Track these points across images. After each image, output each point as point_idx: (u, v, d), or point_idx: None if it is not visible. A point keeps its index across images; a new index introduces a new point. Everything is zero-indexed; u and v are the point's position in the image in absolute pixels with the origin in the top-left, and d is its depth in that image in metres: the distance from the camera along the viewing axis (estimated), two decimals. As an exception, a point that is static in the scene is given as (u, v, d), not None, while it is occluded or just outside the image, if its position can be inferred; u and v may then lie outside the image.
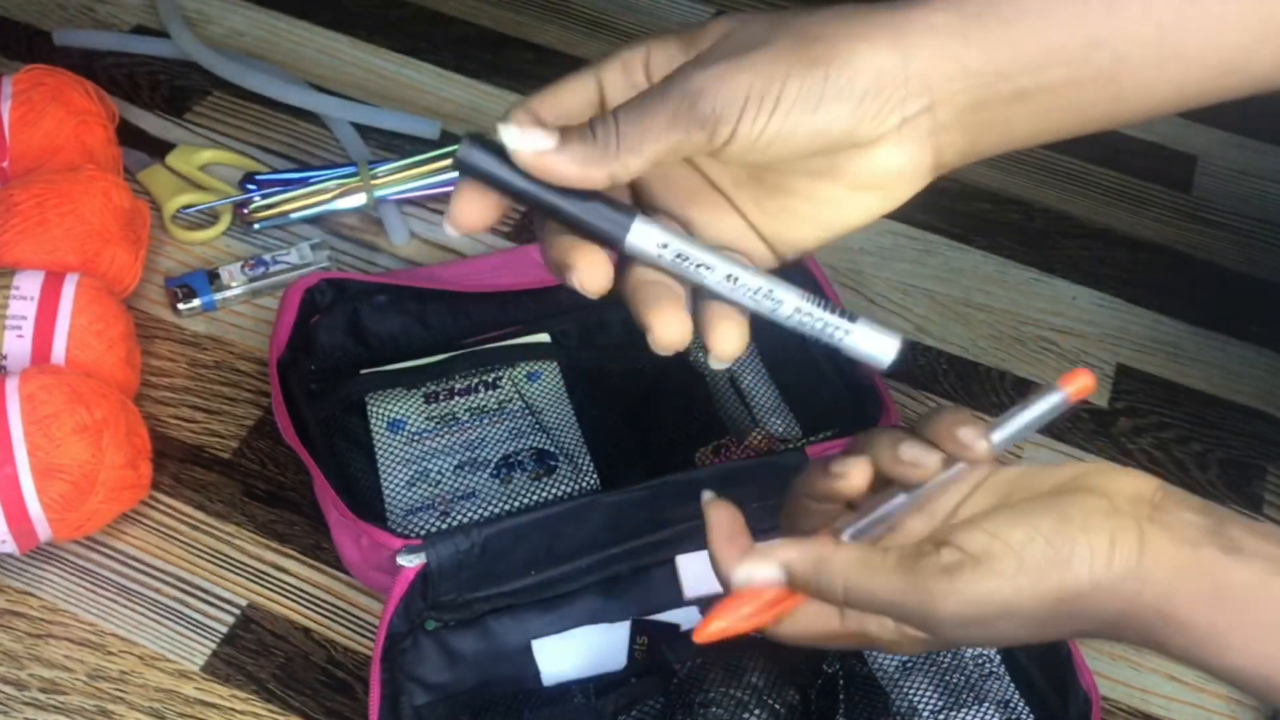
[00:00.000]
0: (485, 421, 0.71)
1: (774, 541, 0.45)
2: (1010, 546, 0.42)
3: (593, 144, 0.41)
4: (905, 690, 0.60)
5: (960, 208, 0.90)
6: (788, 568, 0.44)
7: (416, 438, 0.69)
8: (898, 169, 0.43)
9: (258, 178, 0.85)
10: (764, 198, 0.44)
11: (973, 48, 0.42)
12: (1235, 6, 0.42)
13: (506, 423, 0.71)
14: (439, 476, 0.68)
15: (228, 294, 0.78)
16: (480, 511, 0.66)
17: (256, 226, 0.83)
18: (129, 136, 0.87)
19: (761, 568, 0.44)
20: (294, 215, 0.83)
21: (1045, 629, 0.42)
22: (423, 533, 0.65)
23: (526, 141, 0.40)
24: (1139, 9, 0.42)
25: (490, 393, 0.72)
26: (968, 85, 0.42)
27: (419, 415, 0.70)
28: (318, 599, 0.66)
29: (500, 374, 0.73)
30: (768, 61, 0.41)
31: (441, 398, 0.71)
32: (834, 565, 0.43)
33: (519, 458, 0.69)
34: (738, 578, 0.44)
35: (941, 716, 0.59)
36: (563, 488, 0.67)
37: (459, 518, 0.66)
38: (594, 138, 0.41)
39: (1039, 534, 0.42)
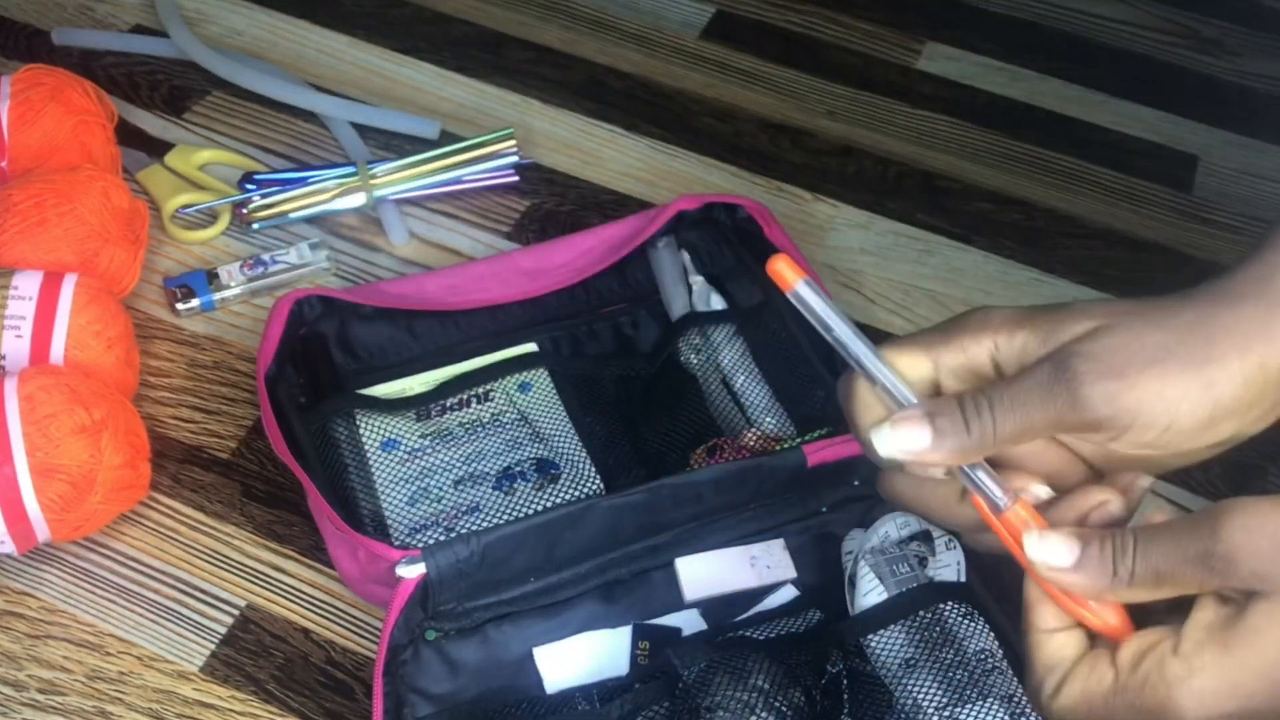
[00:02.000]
0: (481, 435, 0.70)
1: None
2: None
3: (965, 434, 0.42)
4: (909, 688, 0.60)
5: (961, 208, 0.90)
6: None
7: (412, 456, 0.69)
8: (1233, 435, 0.46)
9: (257, 177, 0.84)
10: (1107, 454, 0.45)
11: None
12: None
13: (502, 434, 0.71)
14: (440, 493, 0.68)
15: (227, 294, 0.78)
16: (486, 525, 0.66)
17: (255, 226, 0.83)
18: (128, 136, 0.87)
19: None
20: (293, 215, 0.83)
21: None
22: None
23: (899, 443, 0.43)
24: None
25: (483, 405, 0.72)
26: None
27: (412, 433, 0.70)
28: (317, 600, 0.66)
29: (491, 386, 0.72)
30: (1158, 383, 0.42)
31: (434, 414, 0.71)
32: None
33: (520, 468, 0.69)
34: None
35: (946, 713, 0.59)
36: (567, 495, 0.67)
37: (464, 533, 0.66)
38: (966, 427, 0.42)
39: None
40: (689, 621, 0.65)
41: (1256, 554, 0.40)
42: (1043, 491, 0.45)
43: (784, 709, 0.56)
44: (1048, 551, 0.43)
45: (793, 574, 0.66)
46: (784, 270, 0.46)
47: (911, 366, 0.45)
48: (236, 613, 0.65)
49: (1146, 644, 0.42)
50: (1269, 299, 0.43)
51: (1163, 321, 0.43)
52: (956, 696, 0.59)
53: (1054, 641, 0.44)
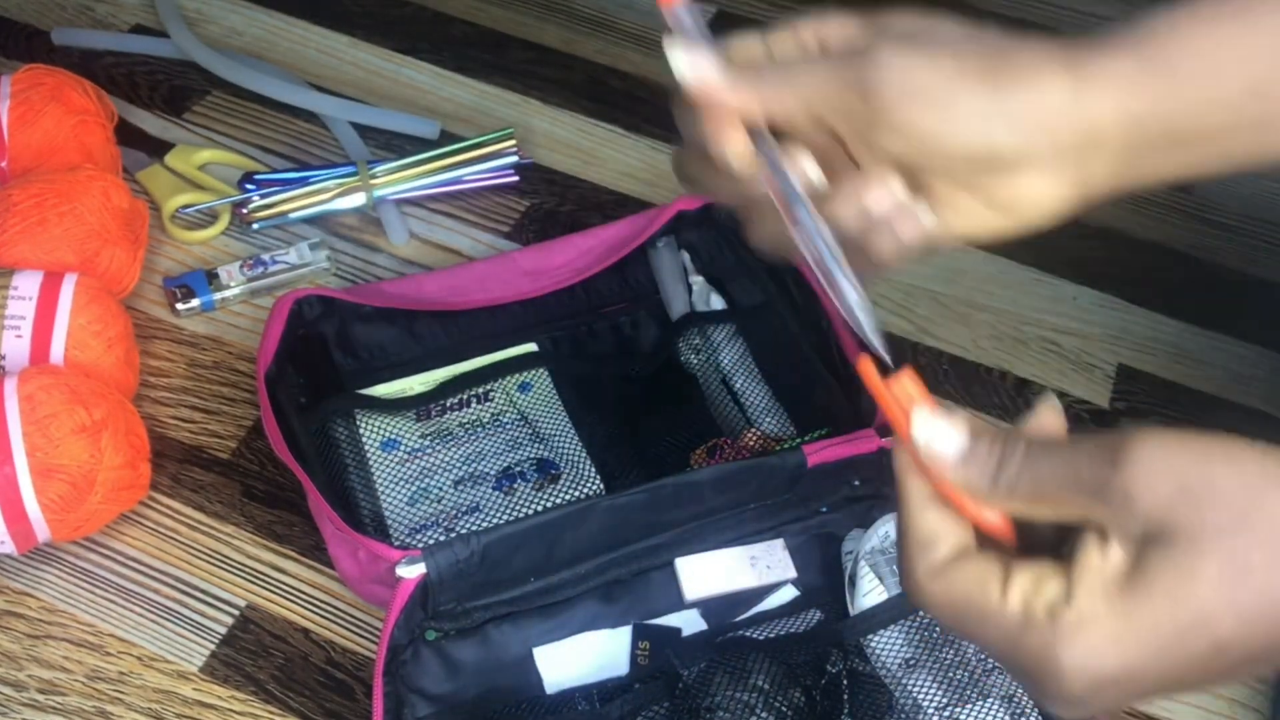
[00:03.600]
0: (480, 435, 0.70)
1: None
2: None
3: (757, 78, 0.45)
4: (909, 688, 0.60)
5: (961, 208, 0.90)
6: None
7: (412, 456, 0.69)
8: (1036, 197, 0.44)
9: (257, 177, 0.84)
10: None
11: (1143, 95, 0.43)
12: None
13: (502, 434, 0.71)
14: (440, 493, 0.68)
15: (227, 294, 0.78)
16: (486, 525, 0.66)
17: (255, 226, 0.83)
18: (128, 136, 0.87)
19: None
20: (293, 215, 0.83)
21: None
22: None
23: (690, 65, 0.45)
24: None
25: (482, 406, 0.72)
26: (1130, 129, 0.43)
27: (412, 433, 0.70)
28: (317, 599, 0.66)
29: (491, 386, 0.72)
30: (952, 62, 0.43)
31: (434, 414, 0.71)
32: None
33: (520, 468, 0.69)
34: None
35: (946, 713, 0.59)
36: (567, 495, 0.67)
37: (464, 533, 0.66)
38: (759, 75, 0.45)
39: None
40: (689, 621, 0.65)
41: (1156, 494, 0.35)
42: (814, 172, 0.45)
43: (784, 709, 0.56)
44: (935, 436, 0.40)
45: (793, 574, 0.66)
46: None
47: (745, 48, 0.47)
48: (236, 613, 0.65)
49: (1039, 579, 0.37)
50: (1139, 49, 0.43)
51: (980, 34, 0.45)
52: (956, 696, 0.59)
53: (932, 516, 0.40)
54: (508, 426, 0.71)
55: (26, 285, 0.68)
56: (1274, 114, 0.43)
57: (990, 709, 0.59)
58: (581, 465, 0.68)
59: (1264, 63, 0.43)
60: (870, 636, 0.61)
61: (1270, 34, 0.43)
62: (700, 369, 0.74)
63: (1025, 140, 0.43)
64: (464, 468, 0.69)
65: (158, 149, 0.87)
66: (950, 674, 0.60)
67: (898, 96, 0.42)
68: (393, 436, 0.69)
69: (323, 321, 0.73)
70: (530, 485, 0.68)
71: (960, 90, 0.42)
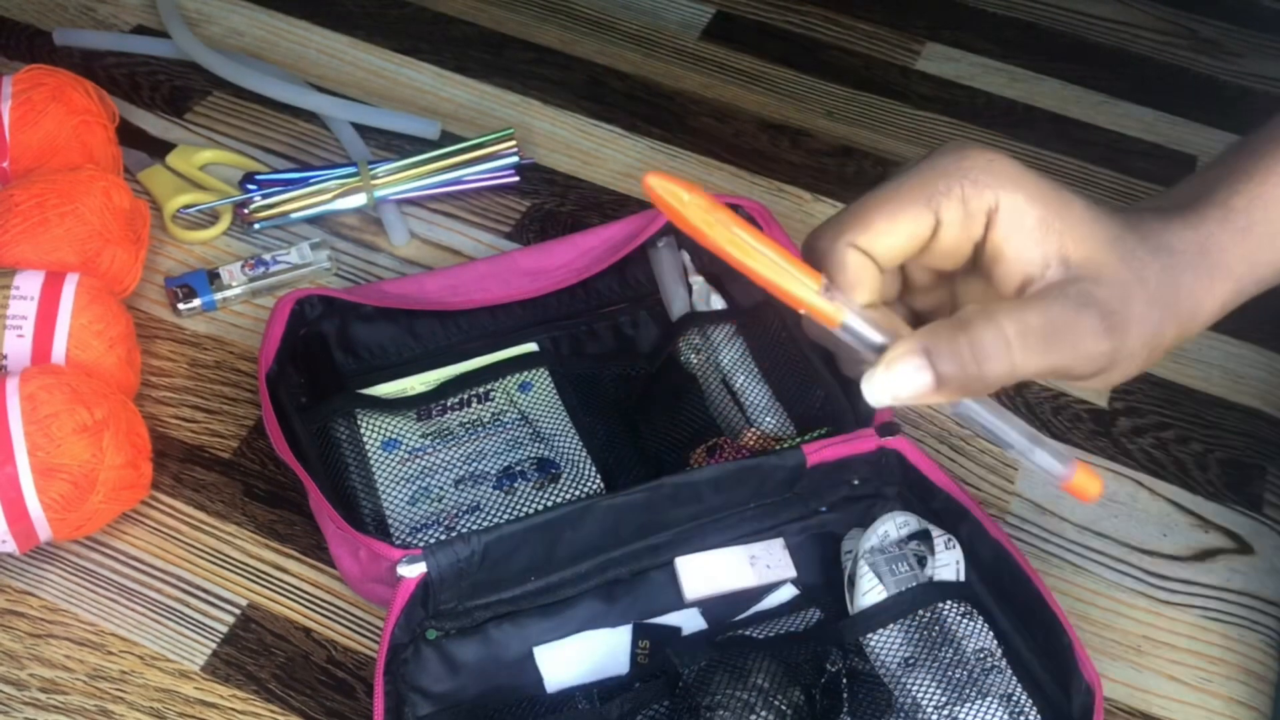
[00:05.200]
0: (481, 434, 0.71)
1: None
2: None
3: (970, 369, 0.41)
4: (908, 687, 0.60)
5: (960, 208, 0.90)
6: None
7: (413, 455, 0.69)
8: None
9: (258, 178, 0.85)
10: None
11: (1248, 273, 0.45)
12: None
13: (503, 434, 0.71)
14: (440, 492, 0.68)
15: (228, 294, 0.78)
16: (486, 525, 0.66)
17: (257, 226, 0.83)
18: (129, 136, 0.87)
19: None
20: (294, 215, 0.83)
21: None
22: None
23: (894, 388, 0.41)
24: None
25: (483, 405, 0.72)
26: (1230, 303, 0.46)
27: (413, 433, 0.70)
28: (318, 599, 0.66)
29: (492, 386, 0.72)
30: (1145, 335, 0.43)
31: (434, 413, 0.71)
32: (988, 330, 0.41)
33: (520, 468, 0.69)
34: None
35: (945, 712, 0.59)
36: (567, 495, 0.67)
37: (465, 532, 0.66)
38: (968, 363, 0.41)
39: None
40: (689, 621, 0.65)
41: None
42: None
43: (784, 708, 0.57)
44: (904, 381, 0.41)
45: (792, 573, 0.66)
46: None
47: (913, 223, 0.42)
48: (238, 612, 0.65)
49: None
50: (1250, 226, 0.44)
51: (1162, 257, 0.43)
52: (955, 695, 0.60)
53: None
54: (508, 426, 0.71)
55: (28, 285, 0.68)
56: None
57: (989, 708, 0.59)
58: (581, 465, 0.68)
59: None
60: (870, 635, 0.62)
61: None
62: (700, 369, 0.75)
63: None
64: (464, 467, 0.69)
65: (159, 149, 0.87)
66: (949, 673, 0.60)
67: (1109, 368, 0.43)
68: (393, 436, 0.70)
69: (324, 321, 0.73)
70: (530, 485, 0.68)
71: (1156, 338, 0.44)
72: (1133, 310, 0.42)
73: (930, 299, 0.47)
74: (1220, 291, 0.44)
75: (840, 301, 0.41)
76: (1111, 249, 0.42)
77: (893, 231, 0.42)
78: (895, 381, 0.41)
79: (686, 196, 0.41)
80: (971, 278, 0.45)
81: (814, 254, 0.43)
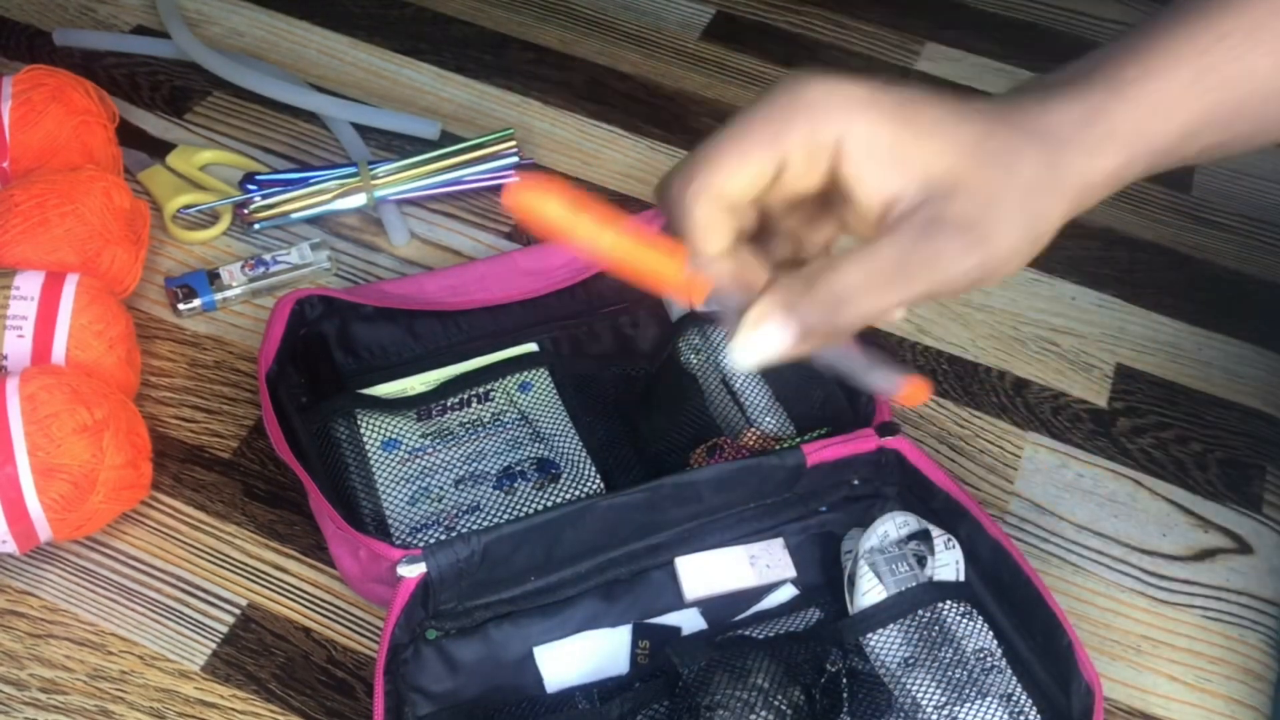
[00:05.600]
0: (481, 434, 0.71)
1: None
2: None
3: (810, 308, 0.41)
4: (908, 686, 0.60)
5: (960, 208, 0.90)
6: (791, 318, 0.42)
7: (413, 455, 0.69)
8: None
9: (258, 178, 0.85)
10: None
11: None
12: None
13: (503, 434, 0.71)
14: (440, 492, 0.68)
15: (228, 294, 0.78)
16: (486, 524, 0.66)
17: (257, 226, 0.83)
18: (129, 136, 0.87)
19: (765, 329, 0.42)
20: (294, 215, 0.83)
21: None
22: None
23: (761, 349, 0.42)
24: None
25: (483, 405, 0.72)
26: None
27: (413, 433, 0.70)
28: (318, 599, 0.66)
29: (492, 386, 0.72)
30: (1010, 238, 0.42)
31: (434, 413, 0.71)
32: (833, 278, 0.41)
33: (520, 468, 0.69)
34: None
35: (945, 711, 0.59)
36: (567, 495, 0.67)
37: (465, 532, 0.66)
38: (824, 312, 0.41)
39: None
40: (689, 620, 0.65)
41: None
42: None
43: (784, 708, 0.57)
44: (762, 342, 0.42)
45: (792, 573, 0.67)
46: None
47: (757, 167, 0.42)
48: (238, 612, 0.65)
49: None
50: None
51: (1037, 141, 0.43)
52: (955, 695, 0.60)
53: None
54: (508, 426, 0.71)
55: (28, 285, 0.68)
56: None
57: (989, 708, 0.59)
58: (581, 465, 0.68)
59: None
60: (869, 635, 0.62)
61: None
62: (700, 369, 0.75)
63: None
64: (464, 467, 0.69)
65: (159, 149, 0.87)
66: (949, 673, 0.60)
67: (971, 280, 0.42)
68: (393, 436, 0.70)
69: (324, 321, 0.73)
70: (530, 485, 0.68)
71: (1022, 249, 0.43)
72: (999, 212, 0.41)
73: (802, 235, 0.46)
74: (1109, 162, 0.43)
75: (701, 277, 0.42)
76: (974, 153, 0.42)
77: (740, 173, 0.41)
78: (760, 342, 0.41)
79: (542, 202, 0.42)
80: (839, 209, 0.44)
81: (665, 202, 0.42)
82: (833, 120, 0.41)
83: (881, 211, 0.42)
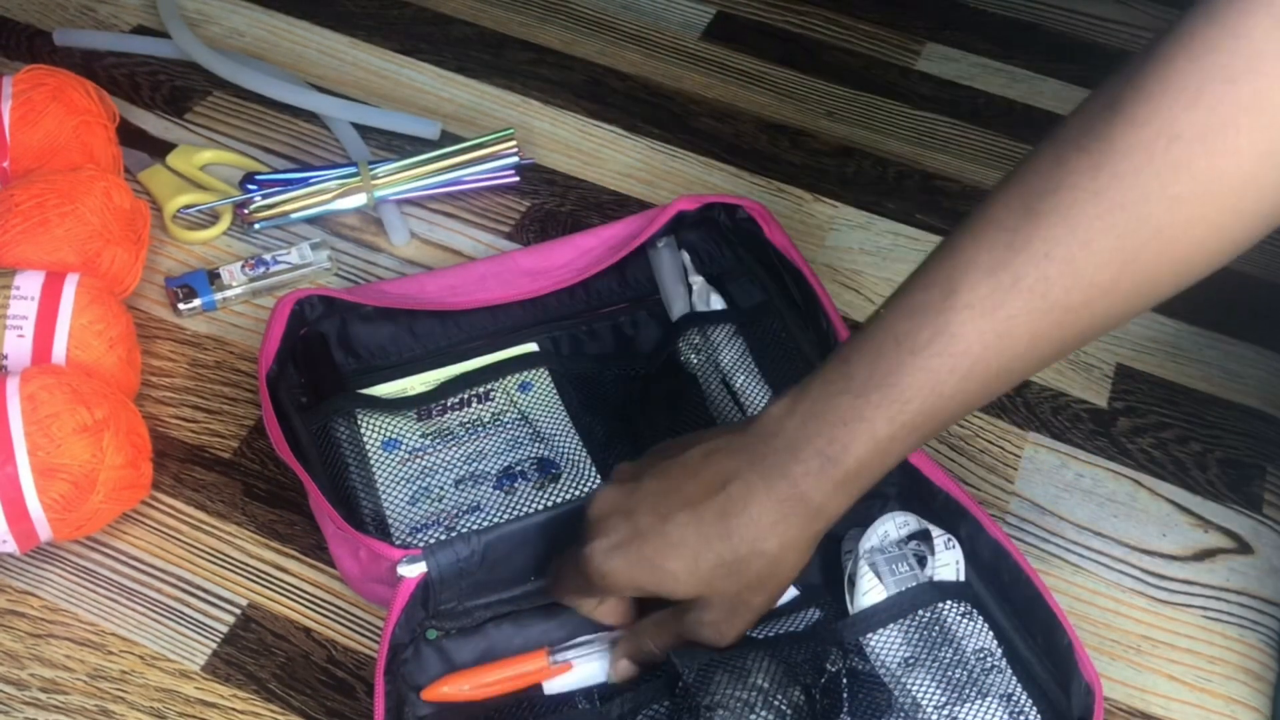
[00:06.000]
0: (481, 434, 0.71)
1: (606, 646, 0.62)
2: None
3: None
4: (908, 686, 0.60)
5: (959, 207, 0.90)
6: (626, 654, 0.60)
7: (413, 455, 0.69)
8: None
9: (258, 178, 0.85)
10: None
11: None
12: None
13: (503, 434, 0.71)
14: (440, 492, 0.68)
15: (228, 294, 0.78)
16: (486, 524, 0.66)
17: (257, 226, 0.83)
18: (129, 136, 0.87)
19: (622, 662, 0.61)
20: (294, 215, 0.83)
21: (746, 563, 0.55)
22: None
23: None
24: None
25: (483, 405, 0.72)
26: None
27: (413, 433, 0.70)
28: (318, 599, 0.66)
29: (492, 386, 0.72)
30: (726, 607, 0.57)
31: (434, 413, 0.71)
32: (649, 644, 0.59)
33: (520, 468, 0.69)
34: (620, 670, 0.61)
35: (945, 712, 0.59)
36: (567, 495, 0.67)
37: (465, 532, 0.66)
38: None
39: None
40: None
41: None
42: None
43: (784, 708, 0.57)
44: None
45: (792, 573, 0.66)
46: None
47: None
48: (238, 612, 0.65)
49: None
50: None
51: (746, 577, 0.56)
52: (955, 695, 0.60)
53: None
54: (508, 426, 0.71)
55: (28, 285, 0.68)
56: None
57: (989, 708, 0.59)
58: (581, 465, 0.68)
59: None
60: (869, 635, 0.62)
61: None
62: (700, 369, 0.75)
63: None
64: (465, 467, 0.69)
65: (159, 149, 0.87)
66: (949, 673, 0.60)
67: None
68: (394, 436, 0.70)
69: (324, 321, 0.73)
70: (531, 484, 0.68)
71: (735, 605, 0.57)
72: (739, 609, 0.57)
73: None
74: (821, 527, 0.55)
75: (560, 659, 0.61)
76: (710, 583, 0.55)
77: (584, 608, 0.61)
78: (624, 674, 0.60)
79: (446, 689, 0.60)
80: None
81: (581, 610, 0.62)
82: (617, 589, 0.57)
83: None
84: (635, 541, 0.56)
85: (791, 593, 0.66)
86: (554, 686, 0.62)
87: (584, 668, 0.61)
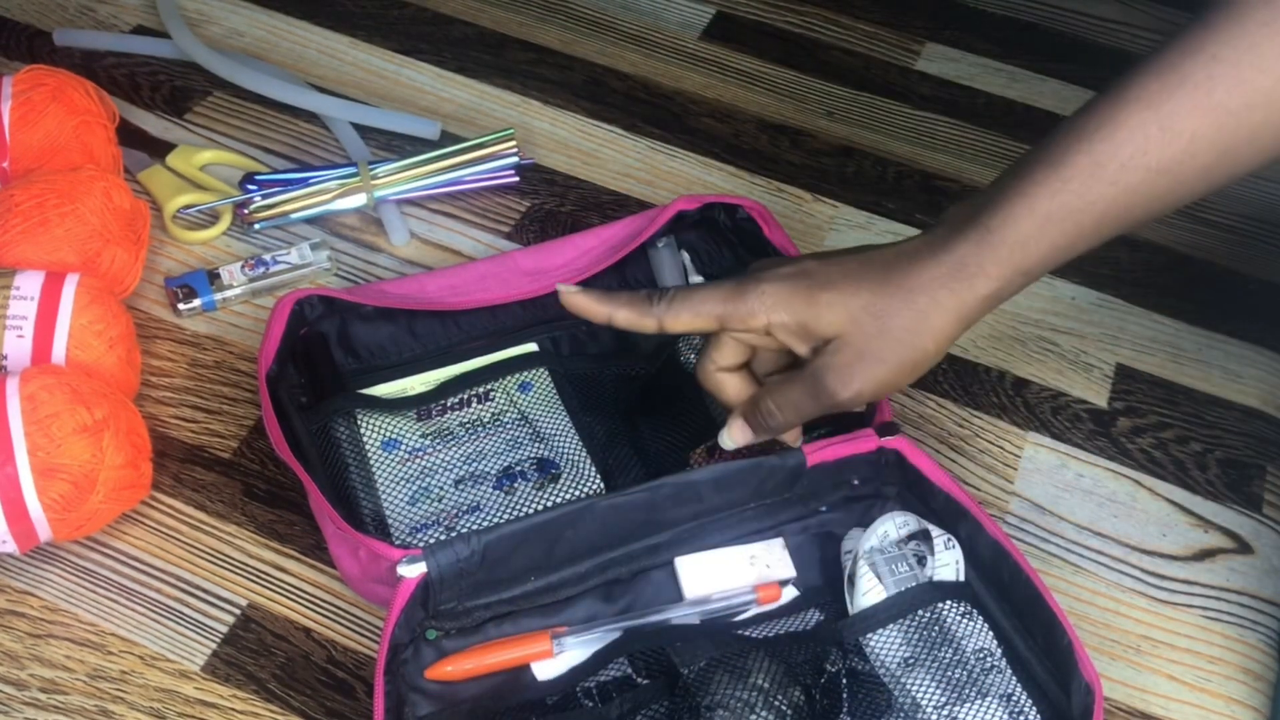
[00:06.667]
0: (481, 434, 0.71)
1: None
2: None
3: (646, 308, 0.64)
4: (908, 686, 0.60)
5: (960, 208, 0.90)
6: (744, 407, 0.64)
7: (413, 455, 0.69)
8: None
9: (258, 178, 0.85)
10: None
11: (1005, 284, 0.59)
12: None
13: (503, 434, 0.71)
14: (440, 492, 0.68)
15: (228, 294, 0.78)
16: (486, 524, 0.66)
17: (257, 226, 0.83)
18: (129, 137, 0.87)
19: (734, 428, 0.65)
20: (294, 215, 0.83)
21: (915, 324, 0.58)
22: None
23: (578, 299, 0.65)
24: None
25: (483, 405, 0.72)
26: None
27: (413, 433, 0.70)
28: (318, 599, 0.66)
29: (492, 386, 0.72)
30: (880, 380, 0.60)
31: (434, 413, 0.71)
32: (767, 401, 0.62)
33: (520, 468, 0.69)
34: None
35: (945, 712, 0.59)
36: (567, 495, 0.67)
37: (465, 532, 0.66)
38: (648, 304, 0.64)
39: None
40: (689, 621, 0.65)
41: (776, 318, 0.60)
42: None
43: (784, 708, 0.57)
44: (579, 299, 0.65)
45: (792, 573, 0.66)
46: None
47: (738, 354, 0.64)
48: (238, 612, 0.65)
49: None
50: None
51: (905, 298, 0.58)
52: (955, 695, 0.60)
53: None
54: (508, 426, 0.71)
55: (28, 285, 0.68)
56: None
57: (988, 708, 0.59)
58: (581, 465, 0.68)
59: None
60: (869, 635, 0.62)
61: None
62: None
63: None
64: (464, 467, 0.69)
65: (159, 149, 0.87)
66: (949, 673, 0.60)
67: (851, 399, 0.61)
68: (393, 436, 0.70)
69: (324, 321, 0.73)
70: (530, 485, 0.68)
71: (893, 378, 0.60)
72: (870, 358, 0.58)
73: (772, 360, 0.66)
74: (981, 292, 0.58)
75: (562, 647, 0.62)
76: (855, 319, 0.58)
77: (730, 358, 0.64)
78: (733, 437, 0.64)
79: (450, 668, 0.61)
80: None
81: (705, 379, 0.65)
82: (767, 315, 0.60)
83: (803, 355, 0.61)
84: (798, 275, 0.60)
85: (791, 593, 0.66)
86: (545, 672, 0.62)
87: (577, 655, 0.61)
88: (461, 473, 0.69)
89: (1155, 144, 0.54)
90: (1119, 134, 0.55)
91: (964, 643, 0.61)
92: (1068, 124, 0.57)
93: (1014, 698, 0.60)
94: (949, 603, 0.62)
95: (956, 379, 0.80)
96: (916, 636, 0.62)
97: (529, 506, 0.67)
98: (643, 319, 0.63)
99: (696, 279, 0.78)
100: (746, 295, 0.60)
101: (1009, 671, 0.61)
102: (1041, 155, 0.57)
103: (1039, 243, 0.57)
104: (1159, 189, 0.55)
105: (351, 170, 0.84)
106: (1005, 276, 0.57)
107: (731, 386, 0.64)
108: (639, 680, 0.61)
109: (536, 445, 0.70)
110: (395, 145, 0.90)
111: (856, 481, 0.68)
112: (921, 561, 0.64)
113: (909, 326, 0.58)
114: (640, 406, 0.73)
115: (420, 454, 0.69)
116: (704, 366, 0.65)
